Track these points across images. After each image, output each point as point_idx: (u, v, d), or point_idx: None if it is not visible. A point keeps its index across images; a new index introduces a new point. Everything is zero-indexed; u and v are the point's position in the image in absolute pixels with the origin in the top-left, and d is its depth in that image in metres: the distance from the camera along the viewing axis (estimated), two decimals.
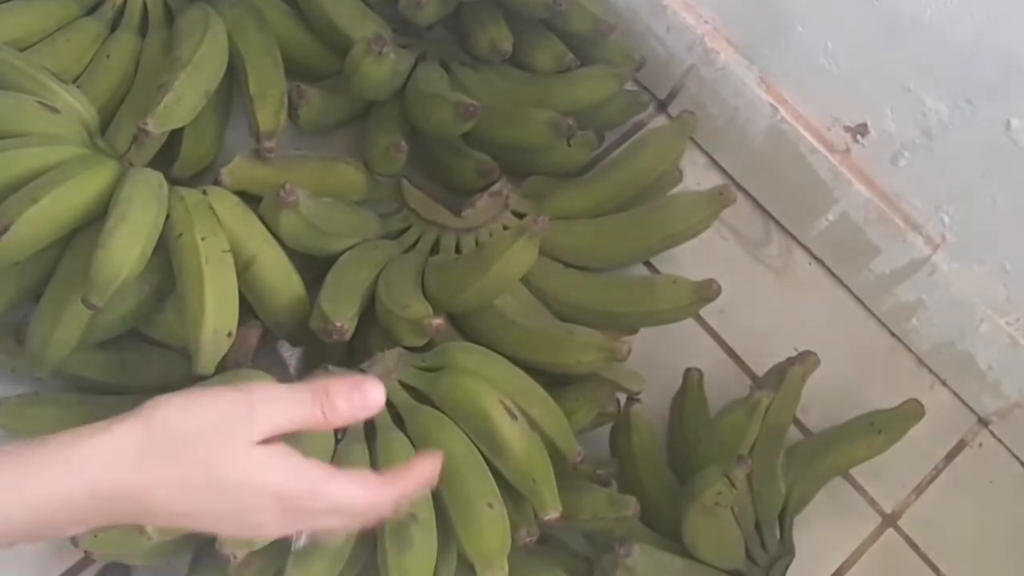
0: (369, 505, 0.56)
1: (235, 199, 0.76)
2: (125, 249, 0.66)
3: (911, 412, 0.84)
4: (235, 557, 0.61)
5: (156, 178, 0.72)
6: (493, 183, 0.87)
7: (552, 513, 0.68)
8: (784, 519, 0.82)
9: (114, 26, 0.86)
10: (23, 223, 0.66)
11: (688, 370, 0.86)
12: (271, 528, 0.54)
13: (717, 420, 0.81)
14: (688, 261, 0.91)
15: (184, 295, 0.70)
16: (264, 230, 0.75)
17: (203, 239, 0.70)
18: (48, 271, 0.73)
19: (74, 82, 0.81)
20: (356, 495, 0.55)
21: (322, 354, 0.79)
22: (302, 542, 0.63)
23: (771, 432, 0.80)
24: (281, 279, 0.75)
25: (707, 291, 0.79)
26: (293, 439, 0.65)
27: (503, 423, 0.69)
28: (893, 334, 0.95)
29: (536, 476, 0.68)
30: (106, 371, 0.76)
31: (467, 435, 0.70)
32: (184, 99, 0.76)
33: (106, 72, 0.83)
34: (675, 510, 0.76)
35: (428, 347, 0.75)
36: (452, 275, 0.77)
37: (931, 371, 0.94)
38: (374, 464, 0.68)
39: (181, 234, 0.71)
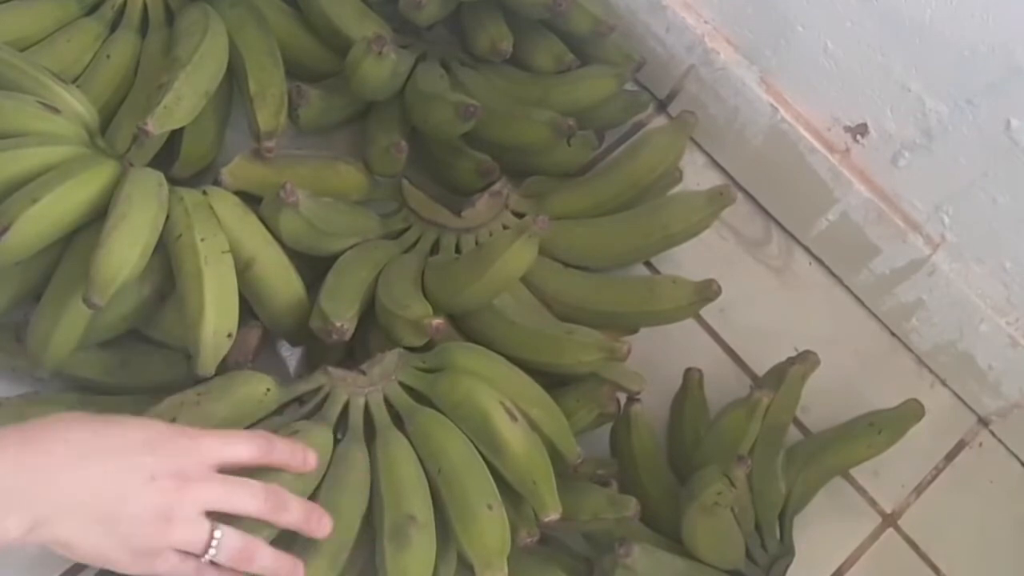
0: (251, 453, 0.61)
1: (235, 199, 0.76)
2: (125, 248, 0.67)
3: (911, 412, 0.84)
4: None
5: (156, 178, 0.72)
6: (493, 183, 0.87)
7: (552, 514, 0.68)
8: (784, 519, 0.82)
9: (114, 26, 0.86)
10: (23, 223, 0.66)
11: (688, 370, 0.86)
12: (150, 498, 0.56)
13: (717, 420, 0.81)
14: (688, 261, 0.91)
15: (184, 296, 0.70)
16: (264, 230, 0.75)
17: (203, 240, 0.70)
18: (49, 271, 0.73)
19: (74, 82, 0.81)
20: (234, 438, 0.61)
21: (322, 354, 0.79)
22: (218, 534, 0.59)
23: (771, 432, 0.80)
24: (281, 279, 0.75)
25: (707, 291, 0.79)
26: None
27: (503, 424, 0.69)
28: (893, 334, 0.95)
29: (536, 477, 0.68)
30: (107, 371, 0.76)
31: (467, 436, 0.70)
32: (184, 99, 0.76)
33: (106, 72, 0.83)
34: (675, 510, 0.76)
35: (428, 347, 0.75)
36: (452, 275, 0.77)
37: (931, 371, 0.94)
38: (373, 465, 0.69)
39: (180, 235, 0.71)
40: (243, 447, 0.61)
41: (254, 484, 0.61)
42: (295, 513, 0.62)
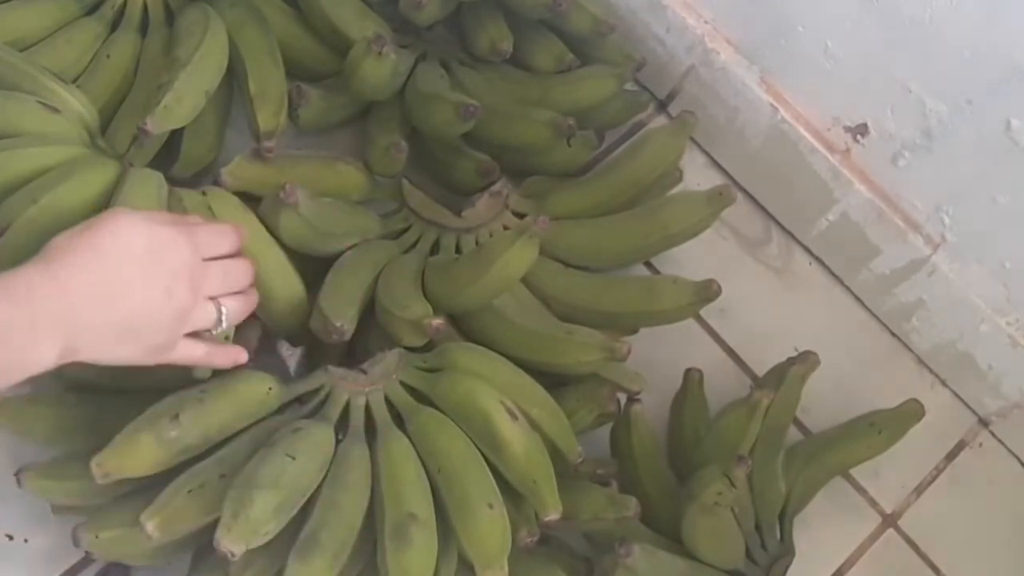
0: (231, 246, 0.68)
1: (235, 200, 0.75)
2: None
3: (911, 412, 0.84)
4: (232, 555, 0.61)
5: (155, 178, 0.72)
6: (493, 183, 0.87)
7: (552, 514, 0.68)
8: (784, 519, 0.82)
9: (114, 26, 0.86)
10: (21, 224, 0.66)
11: (688, 370, 0.86)
12: (170, 307, 0.62)
13: (717, 420, 0.81)
14: (688, 261, 0.91)
15: None
16: (264, 230, 0.75)
17: None
18: None
19: (74, 82, 0.81)
20: (217, 232, 0.68)
21: (322, 354, 0.79)
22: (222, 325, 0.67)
23: (771, 432, 0.80)
24: (281, 279, 0.75)
25: (707, 291, 0.79)
26: (293, 438, 0.66)
27: (503, 423, 0.69)
28: (893, 334, 0.95)
29: (536, 477, 0.68)
30: (107, 371, 0.76)
31: (467, 435, 0.70)
32: (184, 99, 0.76)
33: (106, 72, 0.83)
34: (675, 510, 0.76)
35: (429, 347, 0.75)
36: (452, 275, 0.77)
37: (931, 371, 0.94)
38: (374, 464, 0.69)
39: None
40: (226, 241, 0.69)
41: (235, 262, 0.69)
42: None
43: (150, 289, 0.61)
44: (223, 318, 0.67)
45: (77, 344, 0.58)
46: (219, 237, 0.68)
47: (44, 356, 0.57)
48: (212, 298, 0.66)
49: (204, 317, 0.66)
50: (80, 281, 0.58)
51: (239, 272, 0.69)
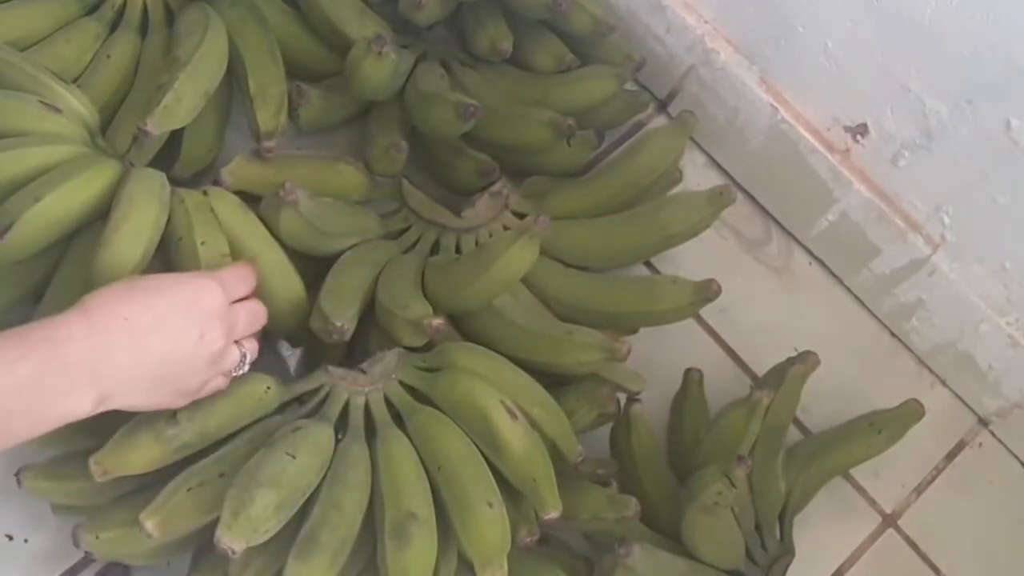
0: (250, 287, 0.70)
1: (235, 200, 0.76)
2: (128, 248, 0.67)
3: (911, 412, 0.84)
4: (233, 552, 0.61)
5: (159, 178, 0.72)
6: (493, 183, 0.87)
7: (552, 513, 0.68)
8: (784, 519, 0.82)
9: (114, 26, 0.86)
10: (24, 223, 0.66)
11: (688, 370, 0.86)
12: (202, 353, 0.62)
13: (717, 420, 0.81)
14: (688, 261, 0.91)
15: None
16: (264, 230, 0.75)
17: (203, 243, 0.71)
18: (50, 271, 0.73)
19: (74, 82, 0.81)
20: (242, 275, 0.69)
21: (322, 354, 0.79)
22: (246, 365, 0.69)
23: (771, 432, 0.80)
24: (281, 279, 0.75)
25: (707, 291, 0.79)
26: (293, 437, 0.66)
27: (503, 423, 0.69)
28: (893, 334, 0.95)
29: (536, 476, 0.68)
30: None
31: (467, 435, 0.70)
32: (184, 99, 0.76)
33: (106, 72, 0.83)
34: (675, 510, 0.76)
35: (429, 347, 0.75)
36: (452, 275, 0.77)
37: (931, 371, 0.94)
38: (374, 463, 0.69)
39: (181, 238, 0.71)
40: (246, 283, 0.70)
41: (250, 303, 0.69)
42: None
43: (185, 336, 0.61)
44: (246, 361, 0.68)
45: (112, 392, 0.58)
46: (241, 280, 0.69)
47: (80, 405, 0.57)
48: (236, 341, 0.67)
49: (231, 360, 0.67)
50: (116, 329, 0.58)
51: (260, 314, 0.70)
